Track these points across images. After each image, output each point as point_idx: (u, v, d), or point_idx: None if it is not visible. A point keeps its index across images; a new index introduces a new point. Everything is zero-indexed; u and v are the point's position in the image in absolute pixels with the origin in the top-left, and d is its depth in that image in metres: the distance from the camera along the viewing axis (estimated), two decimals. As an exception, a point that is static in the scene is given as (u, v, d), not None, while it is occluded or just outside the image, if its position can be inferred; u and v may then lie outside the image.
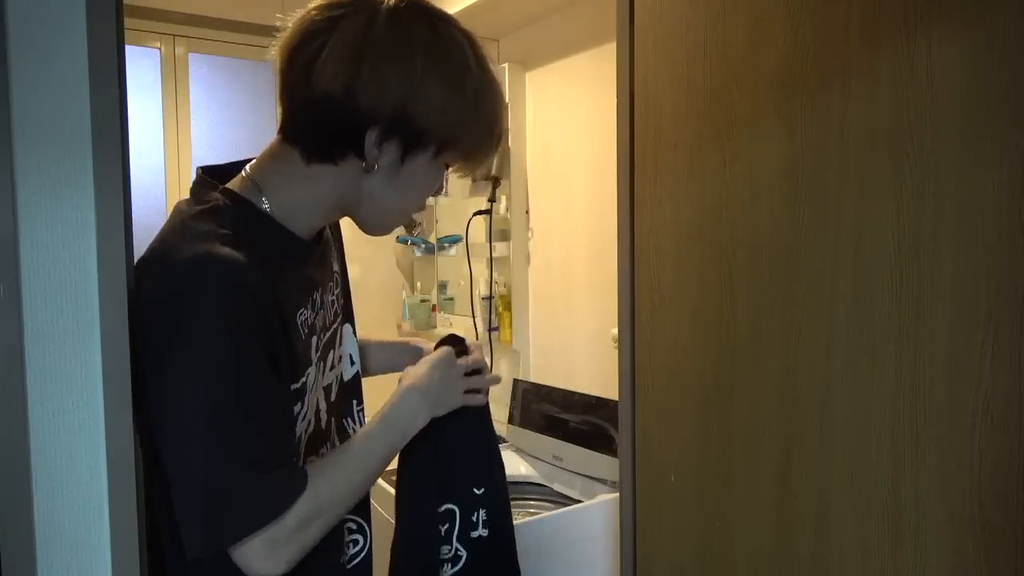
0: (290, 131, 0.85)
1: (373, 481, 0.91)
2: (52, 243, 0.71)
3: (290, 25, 0.84)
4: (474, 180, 0.98)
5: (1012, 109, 0.72)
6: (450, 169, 0.92)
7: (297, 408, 0.86)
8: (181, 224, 0.82)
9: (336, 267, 1.00)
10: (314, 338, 0.90)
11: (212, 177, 0.88)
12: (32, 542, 0.71)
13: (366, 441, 0.90)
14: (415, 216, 0.97)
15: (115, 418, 0.73)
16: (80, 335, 0.72)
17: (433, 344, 1.09)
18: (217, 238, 0.78)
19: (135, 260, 0.79)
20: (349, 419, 1.02)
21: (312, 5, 0.84)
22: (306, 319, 0.87)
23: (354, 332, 1.07)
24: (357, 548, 1.00)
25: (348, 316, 1.04)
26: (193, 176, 0.90)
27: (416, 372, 0.97)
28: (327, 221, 0.93)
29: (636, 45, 1.12)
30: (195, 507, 0.76)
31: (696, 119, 1.03)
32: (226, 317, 0.75)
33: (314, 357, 0.90)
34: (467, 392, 1.01)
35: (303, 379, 0.87)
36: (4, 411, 0.69)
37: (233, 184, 0.87)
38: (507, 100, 2.28)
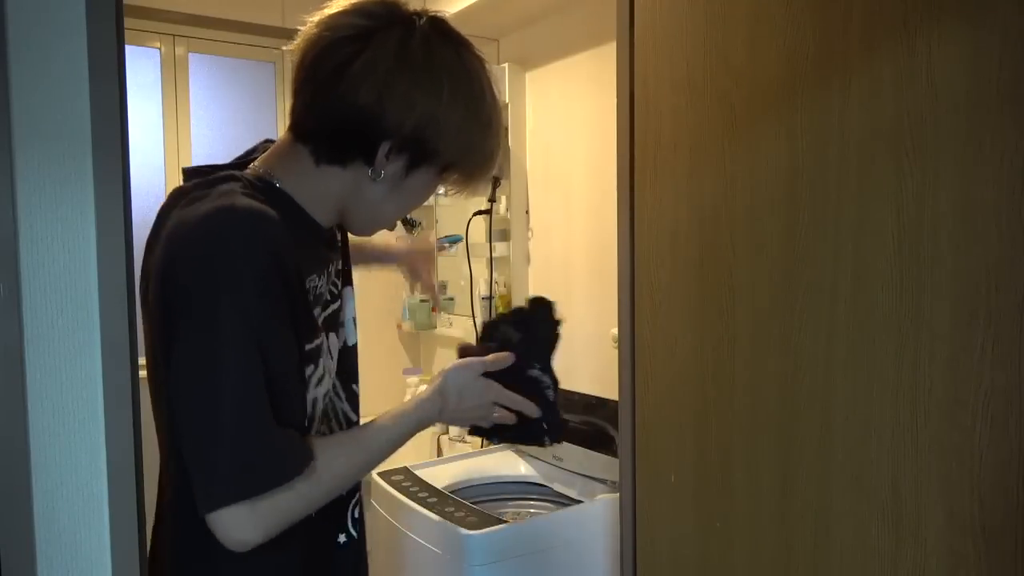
0: (304, 130, 0.87)
1: (370, 470, 0.92)
2: (52, 243, 0.71)
3: (314, 25, 0.84)
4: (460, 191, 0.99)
5: (1012, 109, 0.72)
6: (444, 189, 0.96)
7: (310, 371, 0.87)
8: (201, 192, 0.82)
9: (339, 235, 1.02)
10: (317, 308, 0.91)
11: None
12: (32, 542, 0.71)
13: (376, 433, 0.90)
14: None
15: (115, 418, 0.73)
16: (80, 335, 0.72)
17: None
18: (241, 194, 0.80)
19: (135, 259, 0.79)
20: (345, 389, 1.02)
21: (338, 7, 0.85)
22: (315, 286, 0.89)
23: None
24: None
25: (349, 279, 1.05)
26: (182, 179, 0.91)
27: (452, 384, 0.97)
28: (330, 219, 0.93)
29: (636, 45, 1.12)
30: (211, 461, 0.74)
31: (696, 119, 1.03)
32: (257, 271, 0.75)
33: (321, 326, 0.91)
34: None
35: (317, 342, 0.88)
36: (4, 411, 0.69)
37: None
38: (507, 100, 2.28)
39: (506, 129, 2.31)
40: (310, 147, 0.86)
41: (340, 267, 1.02)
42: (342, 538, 0.97)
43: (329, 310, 0.96)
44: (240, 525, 0.74)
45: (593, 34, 2.04)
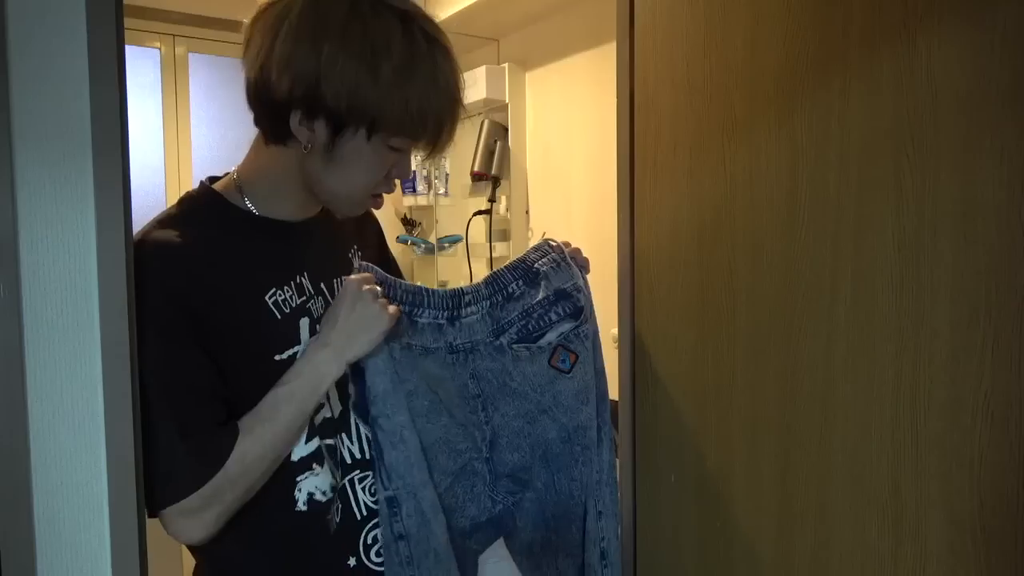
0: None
1: (290, 442, 0.89)
2: (52, 243, 0.71)
3: None
4: (428, 157, 0.96)
5: (1012, 109, 0.72)
6: (418, 153, 0.92)
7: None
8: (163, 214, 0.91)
9: (357, 263, 1.02)
10: (304, 320, 0.91)
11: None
12: (32, 542, 0.71)
13: (274, 406, 0.87)
14: (382, 193, 0.95)
15: (115, 418, 0.73)
16: (80, 335, 0.72)
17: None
18: (161, 222, 0.87)
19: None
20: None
21: None
22: (283, 299, 0.91)
23: None
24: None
25: None
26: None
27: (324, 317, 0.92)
28: (306, 202, 0.94)
29: (636, 45, 1.12)
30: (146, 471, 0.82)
31: (696, 119, 1.03)
32: (144, 296, 0.79)
33: (305, 339, 0.91)
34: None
35: (286, 356, 0.90)
36: (4, 411, 0.69)
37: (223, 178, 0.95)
38: (507, 100, 2.28)
39: (505, 129, 2.31)
40: (260, 130, 0.90)
41: (358, 266, 1.02)
42: (352, 561, 0.96)
43: None
44: (175, 524, 0.83)
45: (593, 34, 2.04)
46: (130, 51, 2.30)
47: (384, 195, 0.95)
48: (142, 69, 2.46)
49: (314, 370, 0.88)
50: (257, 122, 0.90)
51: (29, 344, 0.70)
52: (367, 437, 0.97)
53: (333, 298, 0.96)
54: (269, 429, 0.86)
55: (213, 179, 0.96)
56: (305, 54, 0.81)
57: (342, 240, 1.03)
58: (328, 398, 0.95)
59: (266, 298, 0.89)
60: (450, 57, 0.87)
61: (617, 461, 1.21)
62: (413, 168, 2.64)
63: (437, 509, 0.96)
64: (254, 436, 0.85)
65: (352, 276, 0.92)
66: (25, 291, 0.70)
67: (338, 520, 0.95)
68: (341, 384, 0.95)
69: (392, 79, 0.82)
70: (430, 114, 0.86)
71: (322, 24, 0.81)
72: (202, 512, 0.83)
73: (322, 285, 0.96)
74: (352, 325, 0.88)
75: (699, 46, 1.02)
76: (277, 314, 0.90)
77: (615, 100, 1.16)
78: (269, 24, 0.83)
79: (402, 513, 0.95)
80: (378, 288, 0.92)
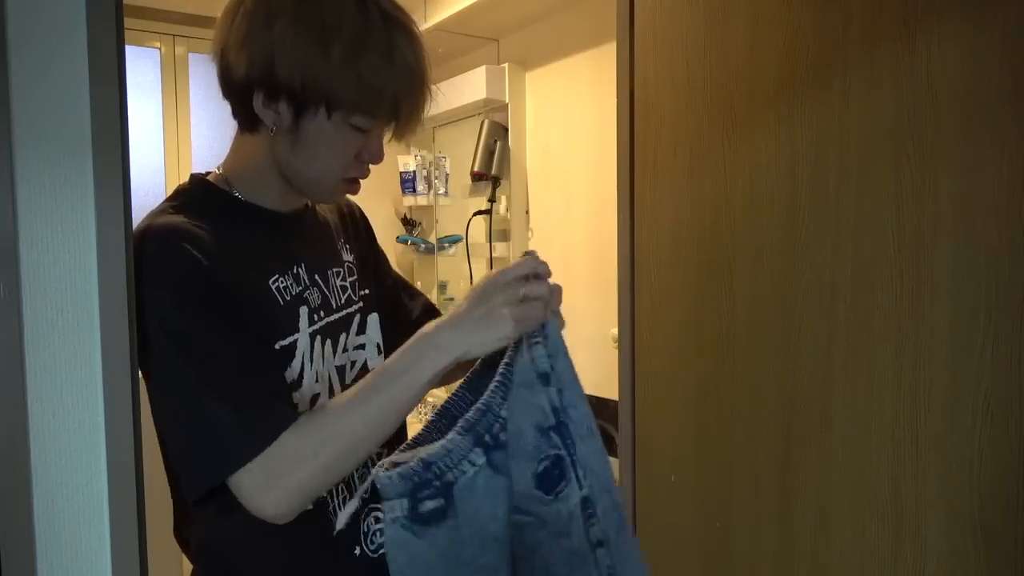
0: None
1: (384, 424, 0.80)
2: (52, 243, 0.71)
3: None
4: (400, 141, 0.94)
5: (1012, 109, 0.72)
6: (388, 134, 0.91)
7: (288, 373, 0.88)
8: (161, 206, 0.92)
9: (349, 256, 1.02)
10: (303, 308, 0.91)
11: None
12: (32, 542, 0.71)
13: (373, 379, 0.80)
14: (356, 178, 0.91)
15: (115, 418, 0.73)
16: (80, 335, 0.72)
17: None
18: (163, 211, 0.87)
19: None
20: None
21: None
22: (284, 286, 0.91)
23: (391, 324, 1.08)
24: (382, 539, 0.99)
25: (373, 306, 1.05)
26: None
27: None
28: (288, 192, 0.95)
29: (636, 45, 1.12)
30: (179, 454, 0.80)
31: (696, 119, 1.03)
32: (165, 277, 0.79)
33: (304, 327, 0.91)
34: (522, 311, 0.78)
35: (287, 342, 0.89)
36: (4, 411, 0.69)
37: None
38: (507, 100, 2.28)
39: (505, 129, 2.31)
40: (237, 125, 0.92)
41: (349, 258, 1.02)
42: (357, 551, 0.95)
43: (333, 317, 0.96)
44: (248, 491, 0.77)
45: (593, 34, 2.04)
46: (130, 51, 2.30)
47: (360, 180, 0.94)
48: (142, 69, 2.46)
49: (419, 352, 0.79)
50: (233, 113, 0.92)
51: (29, 344, 0.70)
52: None
53: (327, 289, 0.96)
54: (359, 397, 0.79)
55: (199, 176, 0.98)
56: (259, 33, 0.82)
57: (329, 233, 1.03)
58: (331, 384, 0.94)
59: (270, 283, 0.90)
60: (409, 34, 0.87)
61: (617, 461, 1.21)
62: (406, 161, 2.64)
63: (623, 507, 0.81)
64: (344, 400, 0.80)
65: (517, 261, 0.80)
66: (25, 291, 0.70)
67: (344, 509, 0.95)
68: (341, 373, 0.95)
69: (344, 55, 0.82)
70: (385, 90, 0.85)
71: (276, 3, 0.83)
72: (279, 479, 0.76)
73: (316, 276, 0.97)
74: (476, 317, 0.78)
75: (699, 46, 1.02)
76: (280, 300, 0.90)
77: (615, 100, 1.16)
78: (228, 9, 0.86)
79: (598, 514, 0.79)
80: (525, 289, 0.78)
